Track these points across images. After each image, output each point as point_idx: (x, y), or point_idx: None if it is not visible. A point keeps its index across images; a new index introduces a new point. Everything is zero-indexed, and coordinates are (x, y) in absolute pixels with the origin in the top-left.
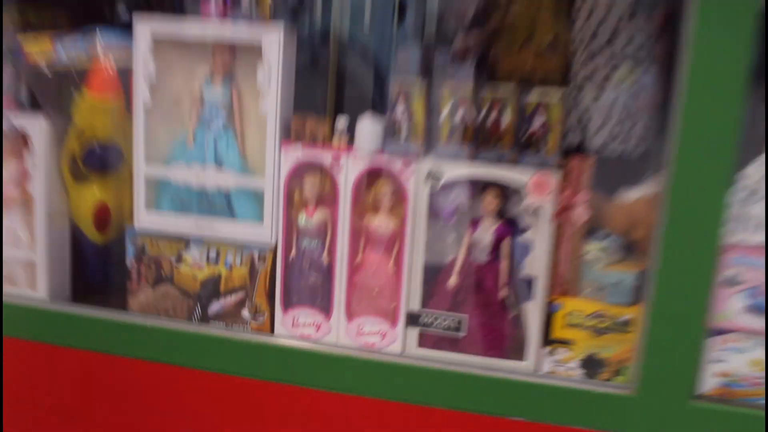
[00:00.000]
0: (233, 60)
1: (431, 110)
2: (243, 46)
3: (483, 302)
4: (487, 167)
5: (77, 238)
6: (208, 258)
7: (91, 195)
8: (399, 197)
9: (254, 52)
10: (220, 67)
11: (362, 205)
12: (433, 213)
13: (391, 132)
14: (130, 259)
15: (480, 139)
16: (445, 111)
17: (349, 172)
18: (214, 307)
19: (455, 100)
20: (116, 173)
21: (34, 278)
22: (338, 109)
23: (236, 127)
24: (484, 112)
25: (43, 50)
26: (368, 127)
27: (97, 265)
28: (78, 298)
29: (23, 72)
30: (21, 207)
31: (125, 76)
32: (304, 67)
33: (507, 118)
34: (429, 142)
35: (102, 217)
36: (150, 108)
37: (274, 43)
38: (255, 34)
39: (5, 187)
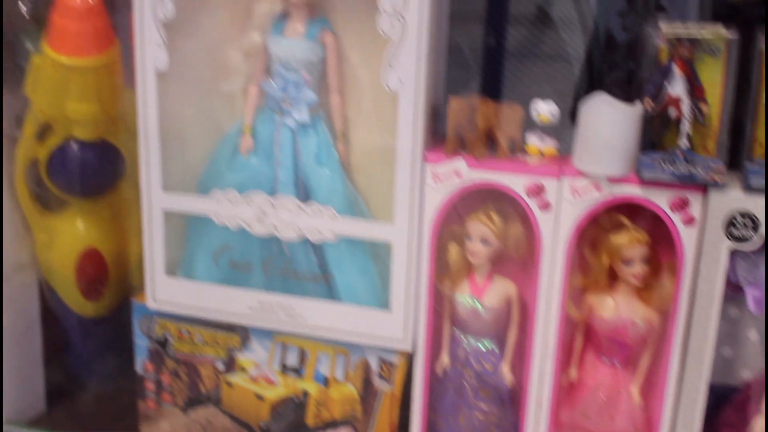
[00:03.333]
0: None
1: (738, 85)
2: None
3: None
4: None
5: (50, 310)
6: (284, 366)
7: (72, 234)
8: (659, 263)
9: None
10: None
11: (584, 276)
12: (729, 295)
13: (652, 133)
14: (141, 361)
15: None
16: None
17: (563, 212)
18: None
19: None
20: (113, 195)
21: None
22: (534, 89)
23: (334, 117)
24: None
25: None
26: (606, 121)
27: (84, 355)
28: (55, 418)
29: None
30: None
31: (121, 15)
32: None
33: None
34: (732, 153)
35: (91, 273)
36: (167, 75)
37: None
38: None
39: None
